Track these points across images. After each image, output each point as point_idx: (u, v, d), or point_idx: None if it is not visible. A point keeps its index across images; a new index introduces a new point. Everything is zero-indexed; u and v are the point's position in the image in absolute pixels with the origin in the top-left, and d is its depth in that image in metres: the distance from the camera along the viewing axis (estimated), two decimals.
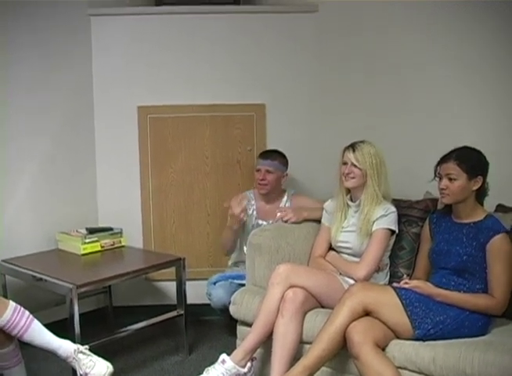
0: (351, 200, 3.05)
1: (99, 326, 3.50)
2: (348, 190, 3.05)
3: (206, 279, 3.52)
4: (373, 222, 2.91)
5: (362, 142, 2.98)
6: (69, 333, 2.78)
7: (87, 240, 3.44)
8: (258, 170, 3.50)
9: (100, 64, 3.79)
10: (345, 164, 2.98)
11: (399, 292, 2.57)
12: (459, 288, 2.64)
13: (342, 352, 2.49)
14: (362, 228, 2.93)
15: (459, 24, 3.40)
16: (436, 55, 3.47)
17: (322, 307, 2.80)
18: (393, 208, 2.94)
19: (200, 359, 3.33)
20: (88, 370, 2.56)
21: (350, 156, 2.95)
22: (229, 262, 3.66)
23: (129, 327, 3.19)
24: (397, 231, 2.96)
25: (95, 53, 3.79)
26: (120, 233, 3.61)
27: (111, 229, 3.60)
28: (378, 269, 2.93)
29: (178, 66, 3.81)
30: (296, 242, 3.15)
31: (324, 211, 3.17)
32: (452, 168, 2.66)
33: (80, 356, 2.59)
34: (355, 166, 2.93)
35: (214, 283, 3.41)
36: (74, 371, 2.61)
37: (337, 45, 3.77)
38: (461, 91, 3.43)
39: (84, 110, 3.81)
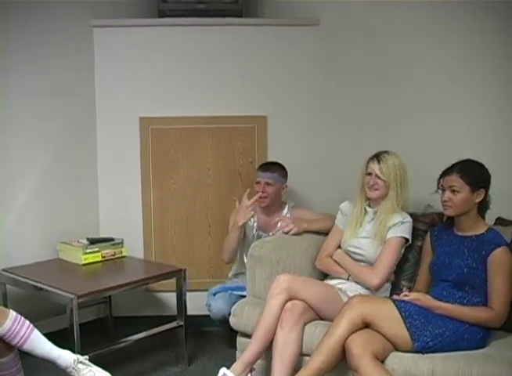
0: (369, 205, 3.05)
1: (98, 336, 3.51)
2: (368, 197, 3.03)
3: (206, 290, 3.52)
4: (389, 228, 2.90)
5: (386, 152, 2.96)
6: (69, 343, 2.78)
7: (88, 250, 3.44)
8: (258, 182, 3.50)
9: (103, 75, 3.82)
10: (369, 174, 2.96)
11: (398, 304, 2.58)
12: (459, 301, 2.64)
13: (341, 364, 2.49)
14: (377, 233, 2.92)
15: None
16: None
17: (321, 319, 2.79)
18: (409, 218, 2.94)
19: (199, 370, 3.33)
20: None
21: (374, 167, 2.94)
22: (230, 274, 3.66)
23: (129, 338, 3.19)
24: (410, 241, 2.95)
25: (98, 64, 3.81)
26: (121, 243, 3.61)
27: (112, 239, 3.60)
28: (388, 279, 2.92)
29: (181, 77, 3.83)
30: (296, 254, 3.15)
31: (339, 212, 3.16)
32: (455, 180, 2.68)
33: (79, 366, 2.57)
34: (379, 178, 2.93)
35: (214, 295, 3.41)
36: None
37: (339, 58, 3.79)
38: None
39: (87, 120, 3.83)
